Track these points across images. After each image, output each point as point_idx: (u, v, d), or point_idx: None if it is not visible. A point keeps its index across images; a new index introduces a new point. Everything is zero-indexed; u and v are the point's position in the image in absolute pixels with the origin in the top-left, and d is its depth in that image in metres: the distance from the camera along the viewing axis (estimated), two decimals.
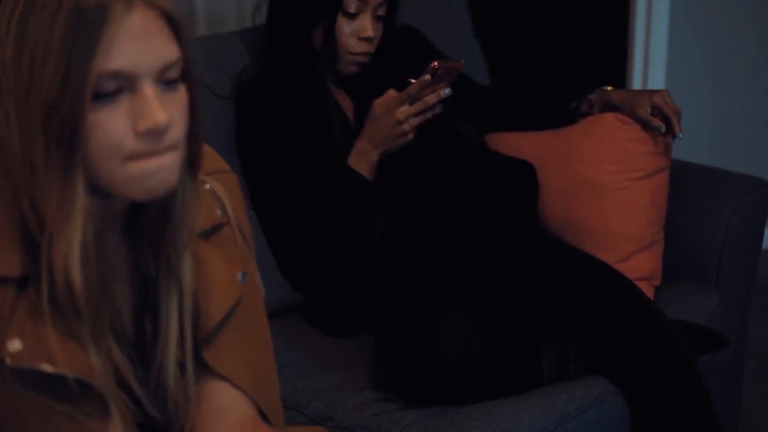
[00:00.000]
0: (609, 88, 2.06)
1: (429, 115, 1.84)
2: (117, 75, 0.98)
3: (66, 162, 0.98)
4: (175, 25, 1.03)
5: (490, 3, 2.89)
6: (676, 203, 2.08)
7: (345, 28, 1.91)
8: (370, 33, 1.91)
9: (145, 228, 1.11)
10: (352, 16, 1.91)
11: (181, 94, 1.04)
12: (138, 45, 0.98)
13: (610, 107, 2.04)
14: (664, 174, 2.03)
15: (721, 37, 3.17)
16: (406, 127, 1.83)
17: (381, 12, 1.94)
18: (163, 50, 1.01)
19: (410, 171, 1.95)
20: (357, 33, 1.92)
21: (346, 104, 2.01)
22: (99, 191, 1.03)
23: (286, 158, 1.90)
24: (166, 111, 1.00)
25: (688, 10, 3.08)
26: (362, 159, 1.88)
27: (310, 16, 1.92)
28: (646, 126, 1.97)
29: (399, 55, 2.04)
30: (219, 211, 1.20)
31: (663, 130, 1.95)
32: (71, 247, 1.00)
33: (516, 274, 1.86)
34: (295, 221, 1.89)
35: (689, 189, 2.10)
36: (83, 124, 0.97)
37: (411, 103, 1.82)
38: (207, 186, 1.20)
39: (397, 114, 1.82)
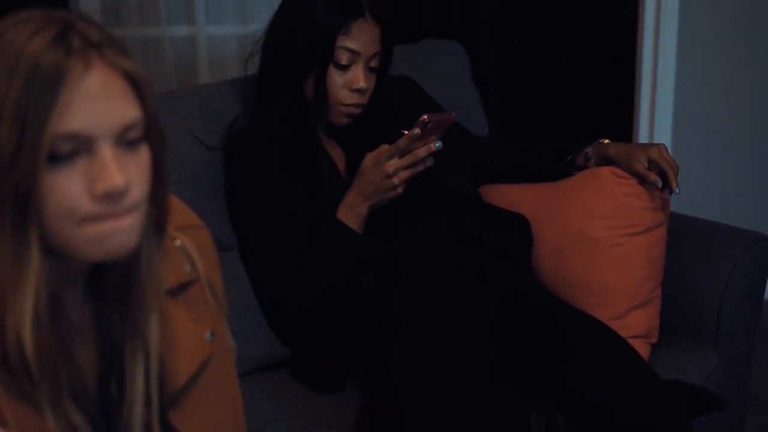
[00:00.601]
0: (606, 141, 2.02)
1: (420, 168, 1.81)
2: (73, 137, 0.96)
3: (19, 225, 0.96)
4: (136, 85, 1.01)
5: (491, 51, 2.86)
6: (675, 258, 2.04)
7: (337, 79, 1.90)
8: (362, 84, 1.90)
9: (109, 288, 1.09)
10: (344, 68, 1.89)
11: (144, 154, 1.02)
12: (95, 106, 0.97)
13: (606, 160, 2.00)
14: (661, 229, 1.99)
15: (727, 91, 3.14)
16: (395, 180, 1.81)
17: (374, 64, 1.93)
18: (123, 111, 0.99)
19: (400, 224, 1.92)
20: (349, 84, 1.90)
21: (338, 156, 1.99)
22: (57, 252, 1.00)
23: (275, 211, 1.87)
24: (124, 173, 0.98)
25: (694, 65, 3.06)
26: (351, 212, 1.86)
27: (301, 66, 1.90)
28: (642, 181, 1.93)
29: (392, 106, 2.01)
30: (188, 268, 1.18)
31: (659, 185, 1.91)
32: (23, 311, 0.98)
33: (506, 331, 1.82)
34: (283, 274, 1.86)
35: (688, 243, 2.06)
36: (37, 187, 0.95)
37: (401, 157, 1.80)
38: (177, 242, 1.18)
39: (387, 167, 1.80)
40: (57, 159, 0.95)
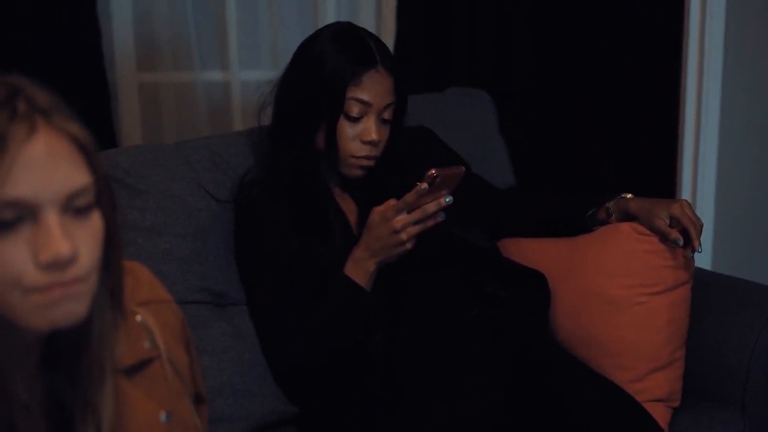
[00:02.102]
0: (628, 195, 1.96)
1: (430, 223, 1.76)
2: (15, 204, 0.93)
3: None
4: (85, 150, 0.98)
5: (519, 100, 2.80)
6: (701, 317, 1.96)
7: (348, 131, 1.86)
8: (374, 137, 1.86)
9: (61, 360, 1.06)
10: (356, 120, 1.86)
11: (94, 221, 0.99)
12: (39, 172, 0.94)
13: (627, 216, 1.93)
14: (684, 288, 1.91)
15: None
16: (403, 236, 1.76)
17: (387, 116, 1.89)
18: (69, 177, 0.96)
19: (410, 280, 1.87)
20: (360, 137, 1.86)
21: (350, 209, 1.95)
22: (4, 324, 0.97)
23: (284, 265, 1.84)
24: (70, 241, 0.95)
25: (737, 123, 2.96)
26: (359, 268, 1.81)
27: (312, 117, 1.87)
28: (664, 238, 1.86)
29: (407, 158, 1.97)
30: (147, 344, 1.14)
31: (680, 243, 1.84)
32: None
33: (519, 393, 1.76)
34: (290, 328, 1.82)
35: (715, 302, 1.98)
36: None
37: (410, 212, 1.75)
38: (138, 318, 1.15)
39: (394, 223, 1.75)
40: (1, 226, 0.93)
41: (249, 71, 2.90)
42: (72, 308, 0.97)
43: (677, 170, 2.90)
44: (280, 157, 1.92)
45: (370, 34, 1.93)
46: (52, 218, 0.94)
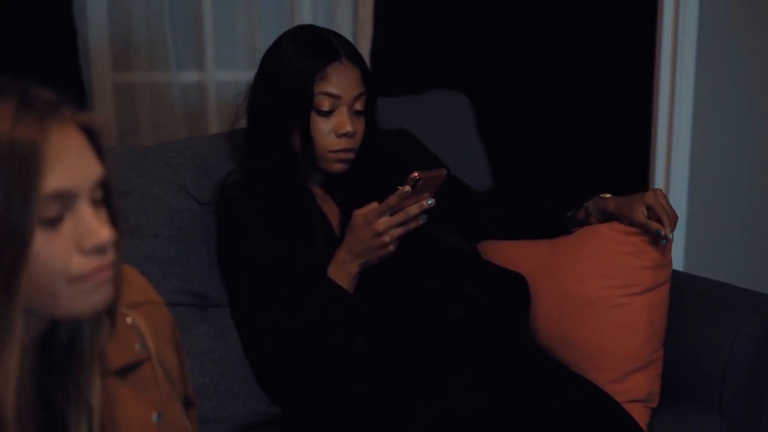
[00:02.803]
0: (607, 195, 1.98)
1: (412, 225, 1.77)
2: (59, 195, 0.97)
3: (5, 295, 0.96)
4: (96, 142, 1.02)
5: (498, 104, 2.82)
6: (679, 318, 1.98)
7: (322, 126, 1.87)
8: (348, 128, 1.87)
9: (54, 353, 1.07)
10: (327, 114, 1.87)
11: (105, 216, 1.03)
12: (72, 163, 0.99)
13: (606, 214, 1.96)
14: (662, 289, 1.93)
15: (744, 147, 3.08)
16: (386, 238, 1.77)
17: (358, 107, 1.90)
18: (94, 166, 1.01)
19: (392, 283, 1.88)
20: (335, 130, 1.87)
21: (332, 212, 1.95)
22: (34, 314, 1.00)
23: (266, 267, 1.84)
24: (107, 226, 1.01)
25: (710, 123, 2.99)
26: (342, 271, 1.82)
27: (284, 120, 1.88)
28: (645, 231, 1.88)
29: (387, 160, 1.98)
30: (138, 347, 1.15)
31: (662, 233, 1.86)
32: (9, 378, 0.97)
33: (502, 396, 1.77)
34: (272, 333, 1.83)
35: (693, 304, 2.01)
36: (26, 253, 0.95)
37: (392, 214, 1.76)
38: (128, 320, 1.16)
39: (377, 225, 1.76)
40: (46, 222, 0.97)
41: (225, 71, 2.90)
42: (106, 292, 1.03)
43: (650, 171, 2.94)
44: (259, 160, 1.92)
45: (330, 31, 1.95)
46: (86, 207, 1.00)
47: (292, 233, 1.87)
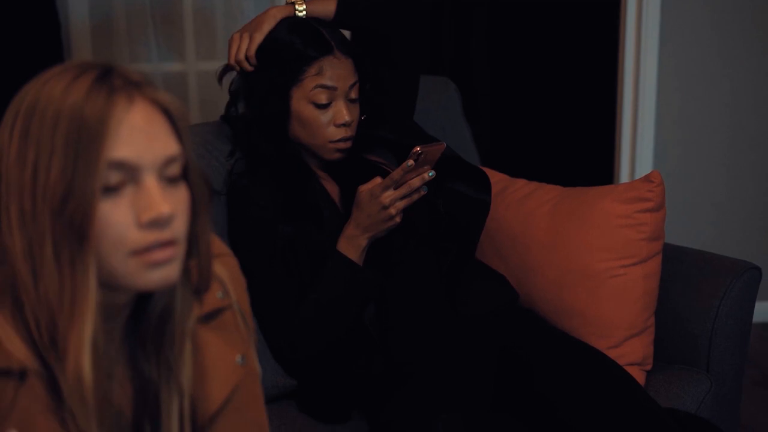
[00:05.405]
0: None
1: (415, 197, 1.86)
2: (121, 165, 1.01)
3: (78, 256, 1.01)
4: (174, 122, 1.06)
5: (482, 88, 2.92)
6: (667, 286, 2.10)
7: (321, 118, 1.93)
8: (346, 118, 1.93)
9: (146, 330, 1.13)
10: (325, 106, 1.92)
11: (183, 191, 1.07)
12: (140, 138, 1.03)
13: None
14: (656, 260, 2.05)
15: (708, 124, 3.24)
16: (392, 211, 1.85)
17: (353, 95, 1.96)
18: (165, 145, 1.04)
19: (398, 255, 1.96)
20: (333, 121, 1.93)
21: (333, 190, 2.02)
22: (103, 284, 1.04)
23: (281, 248, 1.90)
24: (169, 202, 1.03)
25: (674, 100, 3.15)
26: (351, 244, 1.89)
27: (282, 111, 1.93)
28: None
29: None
30: (220, 294, 1.21)
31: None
32: (83, 341, 1.02)
33: (507, 365, 1.87)
34: (286, 312, 1.89)
35: (680, 273, 2.12)
36: (93, 216, 1.00)
37: (396, 188, 1.85)
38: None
39: (383, 199, 1.84)
40: (107, 190, 1.01)
41: (206, 62, 2.95)
42: (166, 272, 1.05)
43: (616, 152, 3.08)
44: (261, 148, 1.97)
45: (321, 21, 1.98)
46: (151, 182, 1.03)
47: (301, 215, 1.94)
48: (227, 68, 2.01)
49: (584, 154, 3.13)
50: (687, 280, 2.11)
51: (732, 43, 3.22)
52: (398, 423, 1.78)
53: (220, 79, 2.03)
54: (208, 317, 1.20)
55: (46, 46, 2.67)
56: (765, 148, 3.33)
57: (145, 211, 1.02)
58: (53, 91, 1.02)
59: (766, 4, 3.22)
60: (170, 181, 1.05)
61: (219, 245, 1.27)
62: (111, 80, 1.03)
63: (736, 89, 3.25)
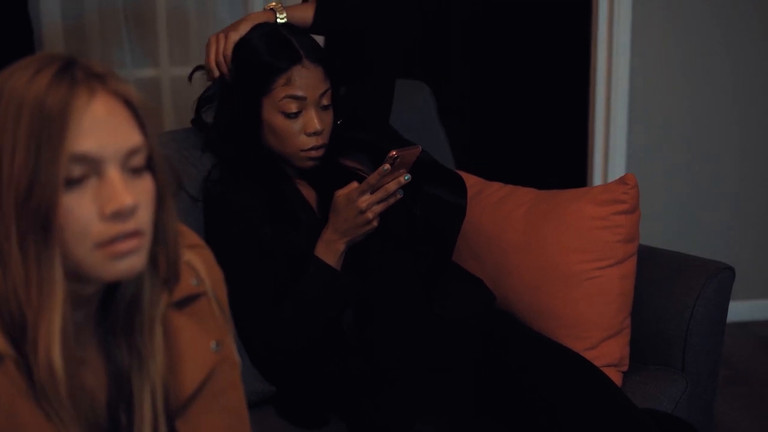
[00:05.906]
0: None
1: (391, 201, 1.87)
2: (83, 158, 1.02)
3: (43, 248, 1.02)
4: (137, 113, 1.07)
5: (457, 92, 2.93)
6: (642, 288, 2.11)
7: (292, 127, 1.92)
8: (317, 127, 1.92)
9: (115, 318, 1.14)
10: (295, 115, 1.92)
11: (147, 182, 1.08)
12: (102, 131, 1.03)
13: None
14: (631, 261, 2.07)
15: (679, 128, 3.27)
16: (369, 215, 1.86)
17: (325, 102, 1.95)
18: (127, 137, 1.05)
19: (375, 258, 1.97)
20: (304, 130, 1.93)
21: (309, 195, 2.02)
22: (70, 275, 1.05)
23: (258, 252, 1.90)
24: (132, 193, 1.04)
25: (646, 104, 3.18)
26: (329, 249, 1.90)
27: (253, 120, 1.93)
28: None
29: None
30: (194, 282, 1.22)
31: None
32: (52, 331, 1.03)
33: (486, 370, 1.88)
34: (263, 311, 1.89)
35: (654, 274, 2.14)
36: (57, 208, 1.01)
37: (372, 192, 1.85)
38: (185, 257, 1.22)
39: (359, 203, 1.85)
40: (70, 183, 1.02)
41: (179, 67, 2.94)
42: (131, 263, 1.06)
43: (589, 154, 3.10)
44: (236, 155, 1.97)
45: (291, 28, 1.97)
46: (113, 173, 1.04)
47: (278, 219, 1.94)
48: (199, 68, 2.01)
49: (557, 156, 3.16)
50: (662, 282, 2.13)
51: (703, 45, 3.25)
52: (378, 428, 1.79)
53: (190, 77, 2.03)
54: (182, 303, 1.20)
55: (18, 51, 2.65)
56: (735, 150, 3.36)
57: (107, 203, 1.02)
58: (17, 83, 1.03)
59: (736, 7, 3.25)
60: (134, 172, 1.06)
61: (193, 237, 1.28)
62: (73, 72, 1.04)
63: (708, 91, 3.29)
